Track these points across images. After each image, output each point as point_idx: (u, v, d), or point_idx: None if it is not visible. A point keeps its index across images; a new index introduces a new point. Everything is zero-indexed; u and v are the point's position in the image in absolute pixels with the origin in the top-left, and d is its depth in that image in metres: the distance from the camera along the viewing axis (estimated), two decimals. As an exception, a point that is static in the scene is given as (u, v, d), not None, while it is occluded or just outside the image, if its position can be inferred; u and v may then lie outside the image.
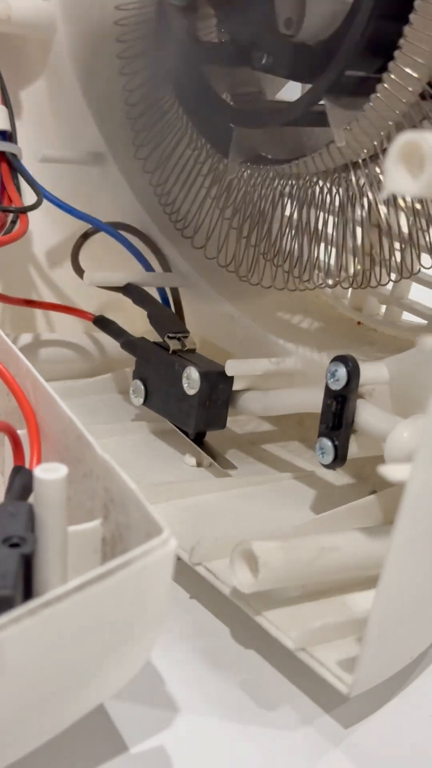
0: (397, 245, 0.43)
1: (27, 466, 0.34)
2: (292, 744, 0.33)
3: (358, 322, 0.50)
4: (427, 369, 0.38)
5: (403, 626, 0.32)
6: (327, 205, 0.43)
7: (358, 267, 0.44)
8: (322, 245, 0.45)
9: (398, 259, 0.43)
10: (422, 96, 0.38)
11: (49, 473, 0.27)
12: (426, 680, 0.36)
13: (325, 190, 0.43)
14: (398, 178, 0.26)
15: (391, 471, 0.28)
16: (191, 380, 0.45)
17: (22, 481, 0.32)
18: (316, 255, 0.45)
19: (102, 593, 0.26)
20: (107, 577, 0.26)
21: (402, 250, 0.43)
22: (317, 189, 0.44)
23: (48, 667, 0.25)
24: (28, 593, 0.28)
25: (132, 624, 0.27)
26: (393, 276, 0.44)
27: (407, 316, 0.50)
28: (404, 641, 0.33)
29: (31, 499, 0.30)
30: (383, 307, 0.50)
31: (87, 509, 0.32)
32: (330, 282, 0.44)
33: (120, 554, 0.27)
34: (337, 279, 0.44)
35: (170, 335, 0.47)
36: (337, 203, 0.43)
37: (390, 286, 0.48)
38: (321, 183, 0.43)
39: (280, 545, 0.35)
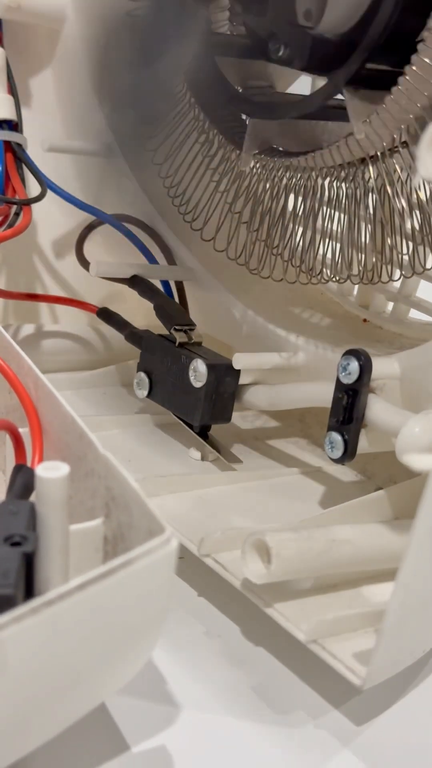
0: (407, 242, 0.43)
1: (29, 464, 0.34)
2: (300, 742, 0.32)
3: (364, 320, 0.50)
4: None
5: (419, 619, 0.32)
6: (339, 200, 0.43)
7: (371, 261, 0.44)
8: (332, 240, 0.45)
9: (408, 255, 0.43)
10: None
11: (50, 472, 0.27)
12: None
13: (337, 184, 0.43)
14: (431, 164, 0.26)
15: (416, 460, 0.28)
16: (198, 373, 0.45)
17: (24, 480, 0.31)
18: (325, 249, 0.45)
19: (104, 592, 0.26)
20: (109, 575, 0.26)
21: (412, 247, 0.43)
22: (328, 183, 0.44)
23: (50, 666, 0.25)
24: (29, 592, 0.28)
25: (134, 622, 0.27)
26: (402, 272, 0.44)
27: (414, 314, 0.50)
28: (419, 634, 0.33)
29: (32, 498, 0.30)
30: (390, 305, 0.50)
31: (88, 508, 0.32)
32: (339, 277, 0.44)
33: (122, 553, 0.27)
34: (349, 273, 0.43)
35: (177, 327, 0.47)
36: (348, 198, 0.42)
37: (398, 283, 0.48)
38: (333, 177, 0.43)
39: (293, 536, 0.35)
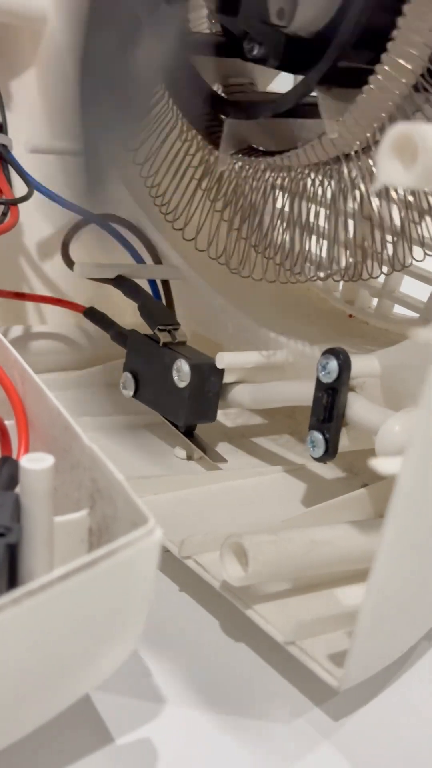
0: (389, 238, 0.43)
1: (14, 456, 0.34)
2: (281, 736, 0.33)
3: (350, 315, 0.50)
4: (418, 362, 0.38)
5: (394, 620, 0.32)
6: (319, 197, 0.43)
7: (350, 260, 0.44)
8: (314, 237, 0.45)
9: (390, 251, 0.43)
10: (415, 88, 0.38)
11: (35, 463, 0.27)
12: (416, 672, 0.36)
13: (317, 182, 0.43)
14: (391, 169, 0.26)
15: (382, 464, 0.28)
16: (182, 373, 0.45)
17: (9, 471, 0.32)
18: (307, 247, 0.45)
19: (87, 582, 0.26)
20: (92, 566, 0.26)
21: (394, 243, 0.43)
22: (309, 181, 0.44)
23: (33, 657, 0.25)
24: (12, 583, 0.28)
25: (117, 613, 0.27)
26: (385, 269, 0.44)
27: (399, 309, 0.50)
28: (394, 635, 0.33)
29: (17, 490, 0.30)
30: (375, 300, 0.50)
31: (74, 500, 0.32)
32: (321, 274, 0.44)
33: (106, 544, 0.26)
34: (329, 272, 0.43)
35: (161, 327, 0.47)
36: (329, 195, 0.42)
37: (382, 279, 0.48)
38: (313, 175, 0.43)
39: (271, 539, 0.35)
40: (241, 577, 0.34)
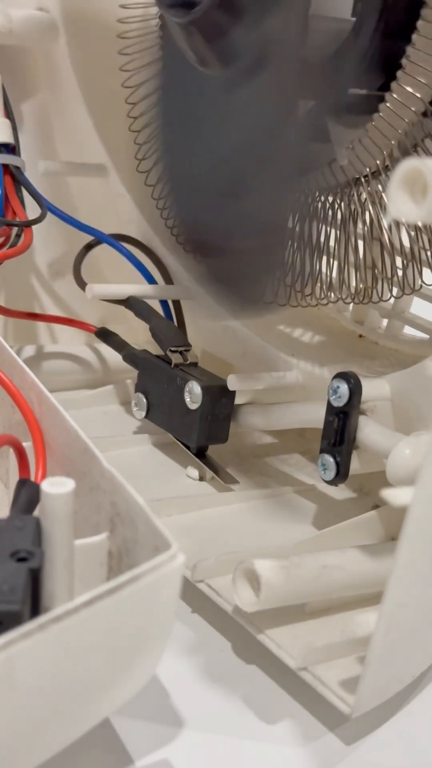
0: (399, 261, 0.43)
1: (32, 479, 0.34)
2: (294, 760, 0.33)
3: (360, 335, 0.51)
4: (429, 386, 0.38)
5: (406, 646, 0.33)
6: (329, 220, 0.43)
7: (360, 284, 0.44)
8: (324, 260, 0.45)
9: (400, 274, 0.43)
10: (424, 114, 0.38)
11: (56, 487, 0.27)
12: (429, 695, 0.36)
13: (327, 204, 0.43)
14: (401, 204, 0.26)
15: (395, 495, 0.28)
16: (193, 394, 0.45)
17: (28, 495, 0.32)
18: (318, 270, 0.45)
19: (111, 608, 0.26)
20: (116, 591, 0.26)
21: (404, 266, 0.43)
22: (320, 204, 0.44)
23: (57, 682, 0.26)
24: (35, 607, 0.28)
25: (139, 638, 0.28)
26: (395, 291, 0.44)
27: (409, 330, 0.50)
28: (406, 661, 0.33)
29: (36, 513, 0.31)
30: (385, 321, 0.50)
31: (93, 523, 0.32)
32: (332, 297, 0.44)
33: (126, 568, 0.27)
34: (339, 295, 0.44)
35: (172, 349, 0.47)
36: (339, 218, 0.43)
37: (392, 300, 0.49)
38: (324, 198, 0.43)
39: (282, 564, 0.35)
40: (253, 602, 0.35)
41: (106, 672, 0.27)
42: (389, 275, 0.43)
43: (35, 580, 0.28)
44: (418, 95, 0.36)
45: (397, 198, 0.26)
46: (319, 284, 0.45)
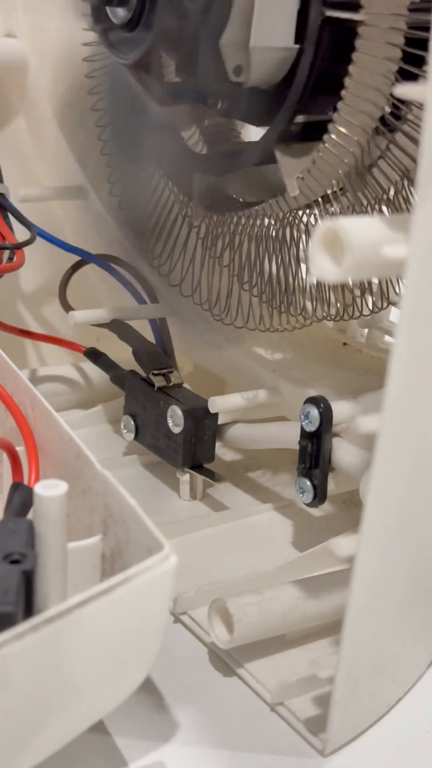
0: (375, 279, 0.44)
1: (25, 482, 0.34)
2: (293, 750, 0.33)
3: (344, 343, 0.50)
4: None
5: (373, 682, 0.33)
6: (298, 243, 0.44)
7: (339, 304, 0.44)
8: (299, 282, 0.45)
9: (375, 290, 0.43)
10: (377, 131, 0.38)
11: (49, 490, 0.28)
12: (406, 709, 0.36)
13: (294, 227, 0.43)
14: (322, 264, 0.26)
15: (338, 546, 0.29)
16: (175, 417, 0.46)
17: (21, 498, 0.32)
18: (292, 290, 0.45)
19: (103, 609, 0.26)
20: (109, 593, 0.26)
21: (379, 283, 0.43)
22: (286, 229, 0.44)
23: (50, 683, 0.26)
24: (28, 609, 0.28)
25: (132, 639, 0.28)
26: (371, 305, 0.44)
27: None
28: (376, 695, 0.34)
29: (30, 516, 0.31)
30: (366, 330, 0.50)
31: (86, 525, 0.32)
32: (309, 320, 0.45)
33: (119, 570, 0.27)
34: (317, 317, 0.44)
35: (155, 372, 0.47)
36: (305, 241, 0.43)
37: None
38: (284, 223, 0.43)
39: (255, 600, 0.36)
40: (228, 640, 0.35)
41: (100, 673, 0.28)
42: (365, 290, 0.43)
43: (28, 582, 0.28)
44: (367, 111, 0.36)
45: (318, 259, 0.26)
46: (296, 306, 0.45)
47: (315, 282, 0.44)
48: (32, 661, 0.25)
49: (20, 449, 0.35)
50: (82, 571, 0.31)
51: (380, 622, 0.31)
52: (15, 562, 0.28)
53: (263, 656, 0.37)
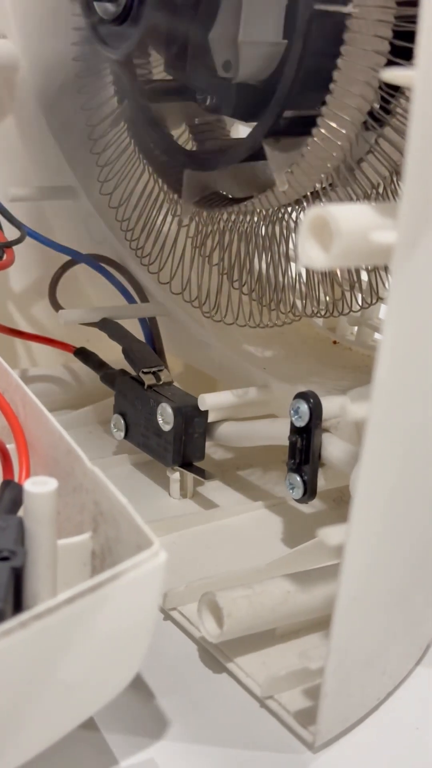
0: (364, 275, 0.43)
1: (16, 479, 0.34)
2: (283, 745, 0.33)
3: (334, 341, 0.51)
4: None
5: (363, 674, 0.33)
6: (288, 239, 0.44)
7: (328, 298, 0.44)
8: (289, 278, 0.45)
9: (364, 286, 0.43)
10: (366, 126, 0.38)
11: (39, 487, 0.28)
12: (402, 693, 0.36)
13: (284, 223, 0.43)
14: (310, 251, 0.26)
15: (327, 534, 0.29)
16: (165, 415, 0.45)
17: (12, 495, 0.32)
18: (281, 286, 0.45)
19: (92, 605, 0.26)
20: (97, 589, 0.26)
21: (369, 277, 0.43)
22: (275, 226, 0.44)
23: (39, 679, 0.26)
24: (18, 606, 0.28)
25: (122, 635, 0.28)
26: (361, 301, 0.44)
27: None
28: (366, 688, 0.34)
29: (20, 513, 0.31)
30: (355, 328, 0.50)
31: (76, 523, 0.32)
32: (299, 316, 0.45)
33: (109, 567, 0.27)
34: (306, 313, 0.44)
35: (144, 370, 0.47)
36: (294, 238, 0.43)
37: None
38: (279, 216, 0.43)
39: (245, 593, 0.35)
40: (218, 634, 0.35)
41: (89, 669, 0.27)
42: (354, 286, 0.43)
43: (18, 579, 0.28)
44: (354, 106, 0.36)
45: (306, 246, 0.26)
46: (286, 303, 0.45)
47: (304, 273, 0.44)
48: (21, 658, 0.25)
49: (11, 446, 0.35)
50: (72, 569, 0.30)
51: (370, 613, 0.31)
52: (4, 558, 0.28)
53: (253, 651, 0.36)
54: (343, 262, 0.26)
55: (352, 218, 0.26)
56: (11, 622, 0.25)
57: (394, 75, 0.25)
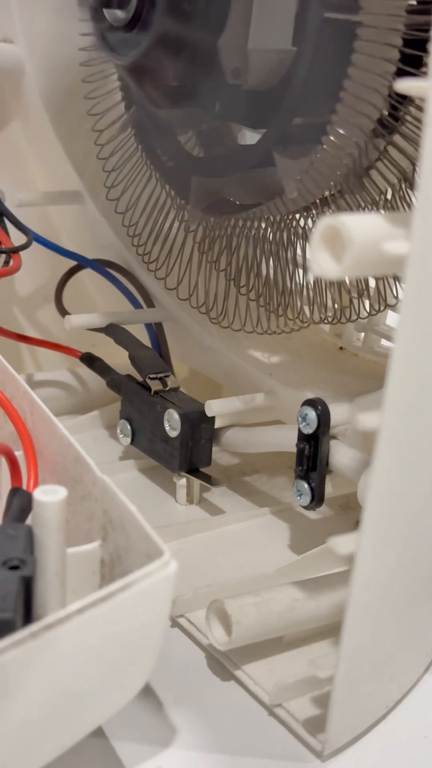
0: (372, 281, 0.43)
1: (24, 487, 0.34)
2: (292, 754, 0.33)
3: (340, 347, 0.50)
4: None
5: (372, 682, 0.33)
6: (295, 245, 0.44)
7: (336, 305, 0.44)
8: (296, 285, 0.45)
9: (372, 293, 0.43)
10: (375, 133, 0.38)
11: (48, 495, 0.28)
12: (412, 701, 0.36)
13: (292, 230, 0.43)
14: (321, 261, 0.26)
15: (337, 544, 0.28)
16: (172, 421, 0.45)
17: (20, 503, 0.32)
18: (289, 292, 0.45)
19: (103, 615, 0.26)
20: (108, 599, 0.26)
21: (377, 284, 0.43)
22: (283, 232, 0.44)
23: (50, 690, 0.26)
24: (27, 615, 0.28)
25: (132, 646, 0.28)
26: (368, 308, 0.44)
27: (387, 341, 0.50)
28: (375, 696, 0.34)
29: (28, 521, 0.31)
30: (363, 334, 0.50)
31: (85, 531, 0.32)
32: (306, 322, 0.45)
33: (119, 576, 0.27)
34: (314, 320, 0.44)
35: (151, 376, 0.47)
36: (303, 244, 0.43)
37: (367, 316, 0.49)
38: (288, 223, 0.43)
39: (253, 601, 0.35)
40: (226, 641, 0.35)
41: (99, 679, 0.27)
42: (362, 293, 0.43)
43: (27, 588, 0.28)
44: (365, 113, 0.36)
45: (318, 255, 0.26)
46: (293, 310, 0.45)
47: (313, 281, 0.44)
48: (32, 668, 0.25)
49: (19, 454, 0.35)
50: (81, 577, 0.30)
51: (380, 621, 0.31)
52: (14, 568, 0.28)
53: (260, 658, 0.36)
54: (355, 271, 0.26)
55: (364, 228, 0.26)
56: (22, 632, 0.25)
57: (408, 86, 0.25)
